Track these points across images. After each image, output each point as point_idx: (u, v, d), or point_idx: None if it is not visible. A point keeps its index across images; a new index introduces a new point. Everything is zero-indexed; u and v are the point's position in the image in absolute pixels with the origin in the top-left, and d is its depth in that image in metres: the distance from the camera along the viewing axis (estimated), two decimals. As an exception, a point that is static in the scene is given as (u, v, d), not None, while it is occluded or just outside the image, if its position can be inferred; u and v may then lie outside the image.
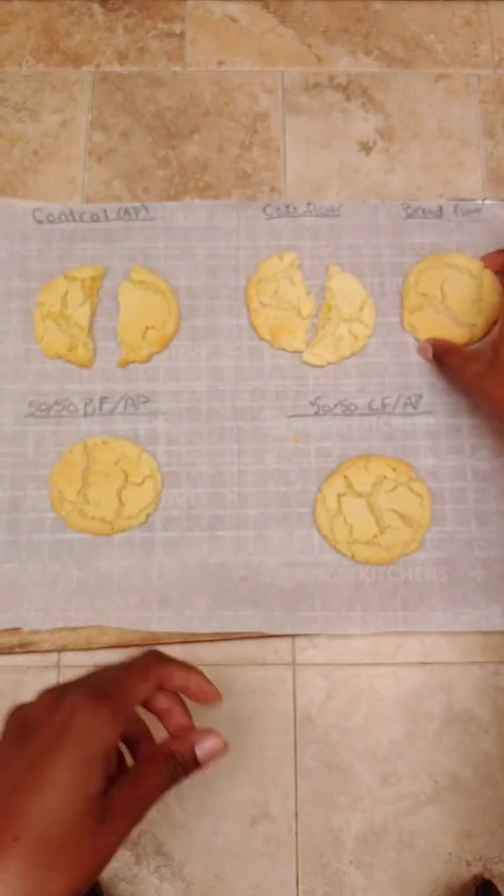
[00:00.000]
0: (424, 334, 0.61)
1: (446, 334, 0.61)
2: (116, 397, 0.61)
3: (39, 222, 0.64)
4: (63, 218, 0.64)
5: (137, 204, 0.65)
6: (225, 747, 0.33)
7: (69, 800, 0.27)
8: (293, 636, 0.58)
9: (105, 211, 0.64)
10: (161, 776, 0.31)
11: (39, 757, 0.28)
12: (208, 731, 0.34)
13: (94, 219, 0.64)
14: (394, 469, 0.58)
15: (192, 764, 0.32)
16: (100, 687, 0.31)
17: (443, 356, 0.57)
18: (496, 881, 0.54)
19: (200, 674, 0.36)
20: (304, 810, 0.56)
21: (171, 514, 0.58)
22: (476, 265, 0.62)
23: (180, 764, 0.32)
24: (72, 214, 0.64)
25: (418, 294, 0.62)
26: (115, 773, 0.30)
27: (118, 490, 0.58)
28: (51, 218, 0.64)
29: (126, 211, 0.64)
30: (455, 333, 0.61)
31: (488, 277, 0.62)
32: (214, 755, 0.33)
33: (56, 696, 0.31)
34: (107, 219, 0.64)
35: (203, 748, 0.33)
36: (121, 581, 0.57)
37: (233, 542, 0.58)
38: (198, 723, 0.36)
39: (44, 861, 0.26)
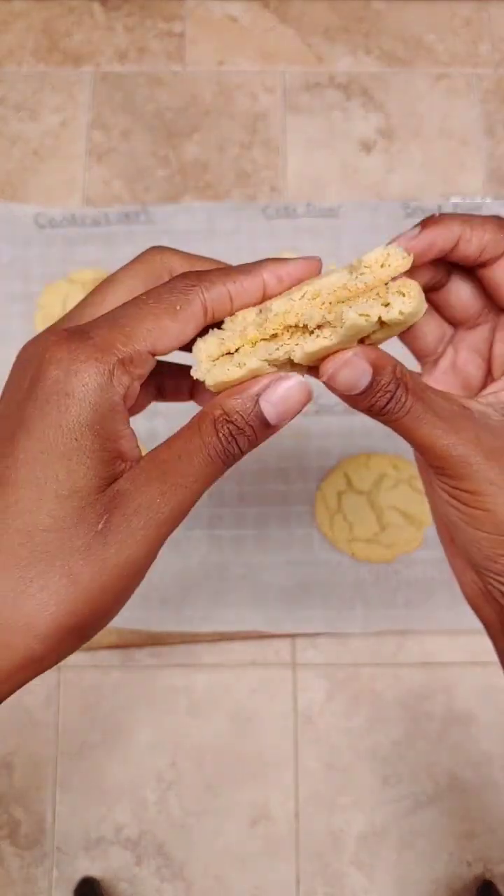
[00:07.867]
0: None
1: None
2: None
3: (41, 227, 0.64)
4: (65, 222, 0.65)
5: (138, 208, 0.65)
6: (304, 392, 0.20)
7: (43, 499, 0.19)
8: (293, 636, 0.58)
9: (106, 215, 0.65)
10: (203, 450, 0.20)
11: None
12: (277, 375, 0.21)
13: (96, 223, 0.65)
14: (395, 466, 0.58)
15: (254, 424, 0.20)
16: (92, 326, 0.20)
17: (405, 405, 0.21)
18: (497, 882, 0.54)
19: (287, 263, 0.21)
20: (305, 811, 0.56)
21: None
22: None
23: (234, 426, 0.20)
24: (73, 219, 0.64)
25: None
26: (127, 458, 0.20)
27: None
28: (52, 222, 0.65)
29: (127, 215, 0.65)
30: None
31: None
32: (289, 405, 0.20)
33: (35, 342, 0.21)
34: (108, 223, 0.65)
35: (271, 398, 0.20)
36: (120, 580, 0.57)
37: (232, 540, 0.57)
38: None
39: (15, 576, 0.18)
